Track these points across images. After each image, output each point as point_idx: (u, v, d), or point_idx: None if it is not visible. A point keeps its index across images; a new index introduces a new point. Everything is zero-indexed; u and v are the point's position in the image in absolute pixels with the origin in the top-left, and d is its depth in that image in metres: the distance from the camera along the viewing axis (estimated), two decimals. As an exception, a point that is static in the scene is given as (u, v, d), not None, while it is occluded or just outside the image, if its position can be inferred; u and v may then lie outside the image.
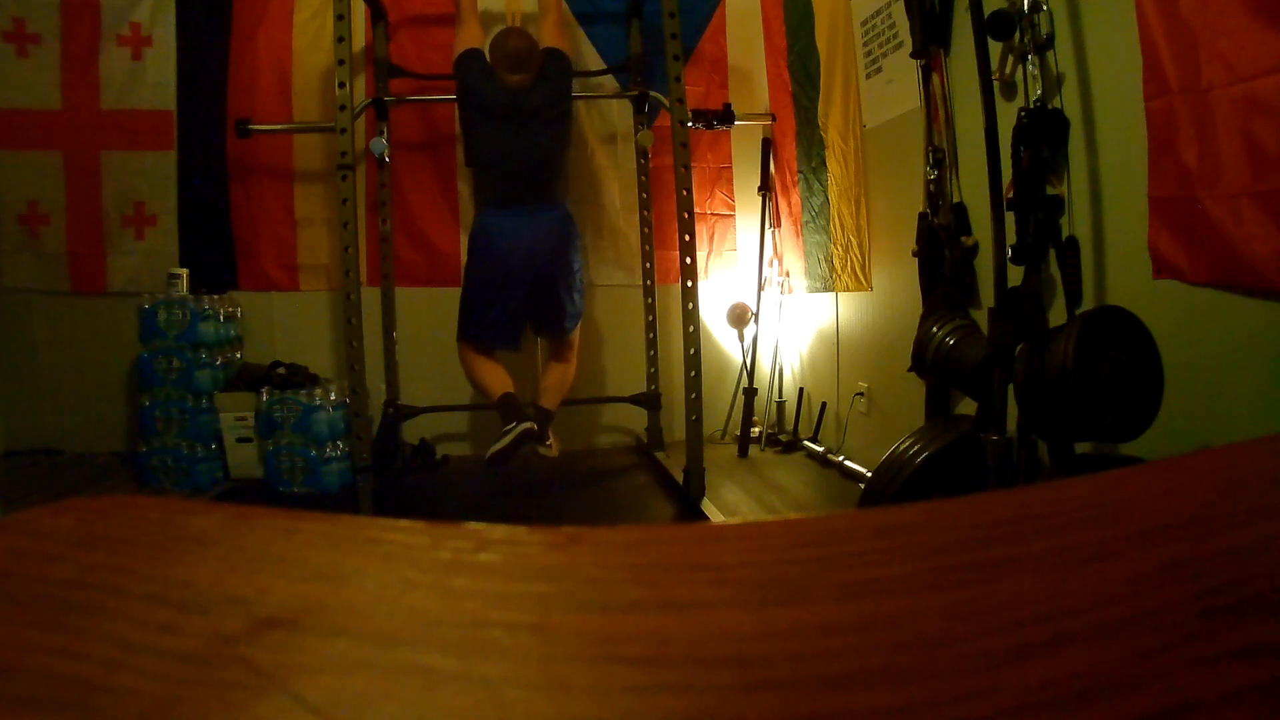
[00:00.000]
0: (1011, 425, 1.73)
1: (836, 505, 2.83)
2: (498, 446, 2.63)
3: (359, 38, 3.41)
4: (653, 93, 3.31)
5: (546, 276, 2.81)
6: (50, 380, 3.44)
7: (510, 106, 2.76)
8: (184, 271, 3.24)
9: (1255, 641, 0.20)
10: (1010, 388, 1.70)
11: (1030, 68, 1.96)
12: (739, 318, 3.62)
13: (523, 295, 2.80)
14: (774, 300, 3.68)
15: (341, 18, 2.67)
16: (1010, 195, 1.89)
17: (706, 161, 3.76)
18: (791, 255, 3.59)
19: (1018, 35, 1.96)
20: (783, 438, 3.59)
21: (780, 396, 3.72)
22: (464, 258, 3.01)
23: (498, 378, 2.82)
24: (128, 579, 0.25)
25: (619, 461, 3.49)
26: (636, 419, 3.66)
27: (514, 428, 2.64)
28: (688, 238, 2.73)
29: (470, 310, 2.84)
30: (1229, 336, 1.55)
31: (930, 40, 2.38)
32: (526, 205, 2.79)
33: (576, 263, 2.90)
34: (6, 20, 3.32)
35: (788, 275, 3.64)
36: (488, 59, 2.82)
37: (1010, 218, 1.87)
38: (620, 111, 3.67)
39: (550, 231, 2.80)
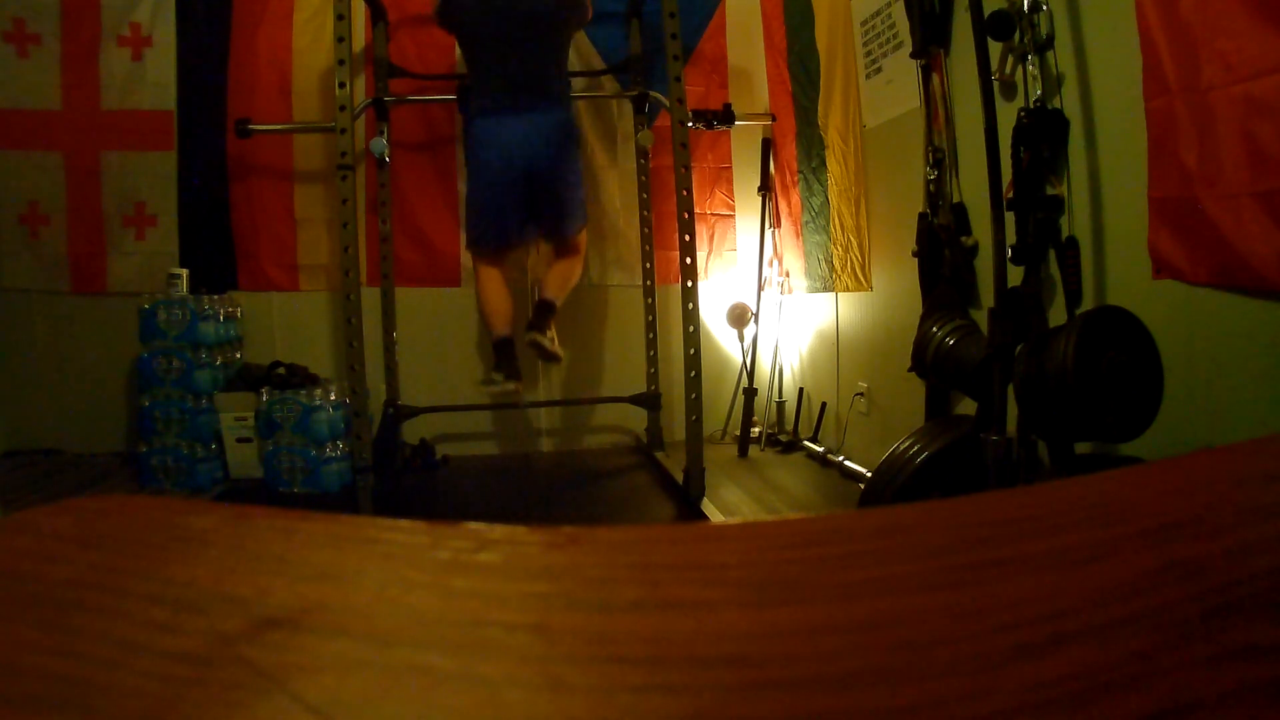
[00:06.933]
0: (1011, 425, 1.73)
1: (836, 505, 2.82)
2: (486, 389, 2.85)
3: (359, 38, 3.41)
4: (653, 93, 3.31)
5: (545, 176, 2.83)
6: (50, 380, 3.44)
7: (504, 7, 2.75)
8: (184, 271, 3.24)
9: (1255, 641, 0.20)
10: (1010, 388, 1.70)
11: (1030, 68, 1.96)
12: (739, 318, 3.62)
13: (522, 194, 2.83)
14: (774, 300, 3.68)
15: (341, 18, 2.67)
16: (1010, 195, 1.88)
17: (706, 161, 3.75)
18: (791, 255, 3.59)
19: (1018, 35, 1.96)
20: (783, 438, 3.59)
21: (780, 396, 3.72)
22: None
23: (502, 309, 2.87)
24: (128, 579, 0.25)
25: (619, 461, 3.49)
26: (636, 419, 3.66)
27: (500, 382, 2.76)
28: (688, 238, 2.73)
29: (473, 214, 2.92)
30: (1229, 336, 1.55)
31: (930, 40, 2.38)
32: (523, 105, 2.80)
33: (576, 162, 2.96)
34: (6, 20, 3.32)
35: (788, 275, 3.64)
36: None
37: (1010, 218, 1.87)
38: (620, 111, 3.67)
39: (547, 132, 2.82)
